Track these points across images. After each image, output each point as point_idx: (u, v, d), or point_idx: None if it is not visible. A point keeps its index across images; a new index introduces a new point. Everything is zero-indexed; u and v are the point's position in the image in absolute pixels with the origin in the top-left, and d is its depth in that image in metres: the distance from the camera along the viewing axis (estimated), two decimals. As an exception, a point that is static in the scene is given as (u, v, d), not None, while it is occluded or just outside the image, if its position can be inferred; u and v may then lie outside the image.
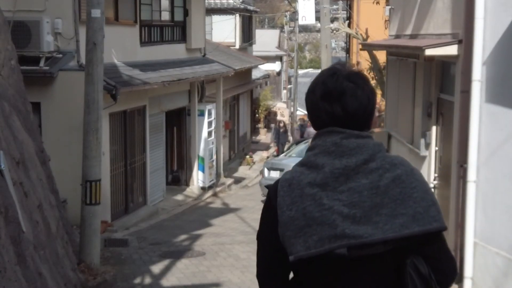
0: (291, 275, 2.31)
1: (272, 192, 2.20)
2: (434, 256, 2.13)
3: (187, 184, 17.41)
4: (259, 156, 25.62)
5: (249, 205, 15.87)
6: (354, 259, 2.08)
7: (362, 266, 2.12)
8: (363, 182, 2.09)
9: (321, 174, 2.11)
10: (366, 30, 18.86)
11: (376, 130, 14.49)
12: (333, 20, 27.66)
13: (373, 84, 20.35)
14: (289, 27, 42.09)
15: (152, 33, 15.41)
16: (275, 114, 32.93)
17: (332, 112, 2.15)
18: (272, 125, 29.31)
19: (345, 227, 2.05)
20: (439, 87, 9.58)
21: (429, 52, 8.44)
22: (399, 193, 2.08)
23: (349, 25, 23.65)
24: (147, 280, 8.84)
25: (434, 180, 9.64)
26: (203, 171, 17.47)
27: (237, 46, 26.48)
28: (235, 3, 26.77)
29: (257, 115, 31.74)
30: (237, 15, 26.65)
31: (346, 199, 2.08)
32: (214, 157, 18.36)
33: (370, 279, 2.14)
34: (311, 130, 28.22)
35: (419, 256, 2.12)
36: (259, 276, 2.31)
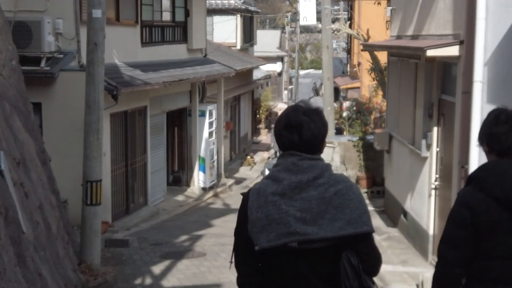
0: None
1: (245, 198, 2.88)
2: (364, 251, 2.79)
3: (188, 185, 17.41)
4: (260, 156, 25.62)
5: (250, 205, 15.83)
6: (303, 251, 2.76)
7: (309, 257, 2.79)
8: (312, 193, 2.76)
9: (281, 186, 2.79)
10: (367, 30, 18.81)
11: (377, 131, 14.48)
12: (334, 20, 27.61)
13: (375, 85, 20.36)
14: (290, 27, 42.09)
15: (153, 33, 15.41)
16: (276, 114, 32.93)
17: (292, 139, 2.84)
18: (273, 126, 29.29)
19: (297, 227, 2.73)
20: (441, 88, 9.57)
21: (430, 52, 8.43)
22: (339, 203, 2.75)
23: (350, 26, 23.62)
24: (148, 280, 8.83)
25: (435, 181, 9.62)
26: (204, 171, 17.46)
27: (238, 47, 26.46)
28: (236, 4, 26.76)
29: (258, 116, 31.73)
30: (238, 15, 26.64)
31: (299, 206, 2.75)
32: (215, 157, 18.35)
33: (315, 267, 2.81)
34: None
35: (352, 251, 2.77)
36: (236, 264, 2.97)
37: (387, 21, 14.54)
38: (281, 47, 40.68)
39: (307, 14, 30.10)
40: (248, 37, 28.53)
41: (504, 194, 3.05)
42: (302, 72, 46.71)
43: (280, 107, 33.97)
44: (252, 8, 29.55)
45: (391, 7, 13.11)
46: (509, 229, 3.06)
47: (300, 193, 2.77)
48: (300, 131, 2.83)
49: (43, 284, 5.10)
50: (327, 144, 15.68)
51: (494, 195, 3.06)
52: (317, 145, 2.87)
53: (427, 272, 8.36)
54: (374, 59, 17.49)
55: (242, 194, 2.95)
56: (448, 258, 3.14)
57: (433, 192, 9.62)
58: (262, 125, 32.68)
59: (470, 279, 3.17)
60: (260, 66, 28.51)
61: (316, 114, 2.87)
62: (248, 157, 24.09)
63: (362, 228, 2.76)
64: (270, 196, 2.79)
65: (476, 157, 7.53)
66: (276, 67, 38.10)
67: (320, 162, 2.85)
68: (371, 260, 2.84)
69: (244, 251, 2.89)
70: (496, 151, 3.18)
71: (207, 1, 19.96)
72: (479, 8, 7.34)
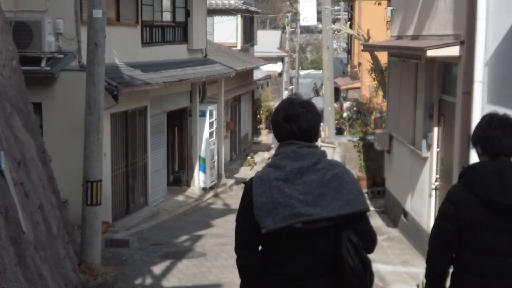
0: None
1: (248, 185, 3.09)
2: (361, 229, 3.05)
3: (188, 185, 17.40)
4: (261, 156, 25.61)
5: (250, 205, 15.83)
6: (307, 231, 2.97)
7: (312, 237, 3.01)
8: (312, 178, 3.00)
9: (284, 172, 3.01)
10: (368, 31, 18.82)
11: (378, 131, 14.47)
12: (334, 21, 27.60)
13: (375, 85, 20.36)
14: (291, 28, 42.07)
15: (154, 33, 15.41)
16: (277, 115, 32.84)
17: (291, 130, 3.07)
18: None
19: (301, 209, 2.95)
20: (441, 88, 9.56)
21: (430, 53, 8.42)
22: (337, 185, 2.99)
23: (350, 26, 23.63)
24: (148, 280, 8.83)
25: (436, 181, 9.62)
26: (204, 171, 17.46)
27: (239, 47, 26.46)
28: (236, 4, 26.76)
29: (258, 116, 31.73)
30: (239, 16, 26.63)
31: (301, 189, 2.98)
32: (215, 157, 18.35)
33: (318, 245, 3.03)
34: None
35: (351, 230, 3.03)
36: (238, 247, 3.17)
37: (387, 22, 14.55)
38: (281, 47, 40.65)
39: (308, 15, 30.06)
40: (249, 37, 28.53)
41: (487, 193, 3.29)
42: (302, 72, 46.69)
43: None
44: (253, 9, 29.54)
45: (391, 8, 13.11)
46: (488, 227, 3.31)
47: (302, 178, 3.00)
48: (298, 122, 3.07)
49: (43, 284, 5.10)
50: (327, 145, 15.57)
51: (477, 193, 3.32)
52: (314, 134, 3.13)
53: (427, 273, 8.35)
54: (375, 60, 17.49)
55: (244, 182, 3.18)
56: (435, 246, 3.48)
57: (433, 192, 9.62)
58: (262, 125, 32.67)
59: (457, 271, 3.46)
60: (261, 67, 28.50)
61: (311, 106, 3.15)
62: (249, 157, 24.08)
63: (359, 207, 3.01)
64: (274, 181, 3.00)
65: (477, 157, 7.53)
66: (277, 67, 38.08)
67: (317, 149, 3.11)
68: (368, 238, 3.10)
69: (247, 235, 3.10)
70: (489, 153, 3.44)
71: (207, 1, 19.96)
72: (480, 8, 7.34)
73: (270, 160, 3.18)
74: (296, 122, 3.07)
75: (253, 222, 3.01)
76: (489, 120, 3.47)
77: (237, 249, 3.19)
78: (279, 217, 2.96)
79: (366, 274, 3.06)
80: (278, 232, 2.97)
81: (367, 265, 3.06)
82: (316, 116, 3.13)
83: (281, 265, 3.07)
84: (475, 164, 3.50)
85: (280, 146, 3.13)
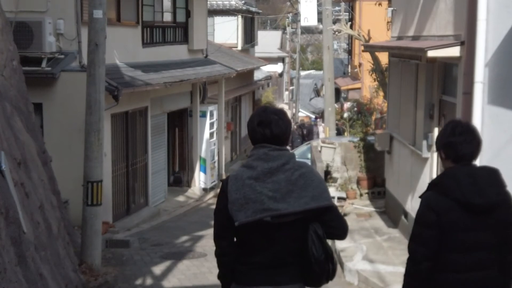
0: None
1: (225, 183, 3.43)
2: (329, 221, 3.40)
3: (189, 185, 17.41)
4: (261, 157, 25.60)
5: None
6: (275, 224, 3.31)
7: (281, 229, 3.35)
8: (281, 177, 3.34)
9: (255, 171, 3.35)
10: (368, 31, 18.81)
11: (378, 131, 14.47)
12: (335, 21, 27.59)
13: (376, 86, 20.36)
14: (291, 28, 42.06)
15: (154, 34, 15.42)
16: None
17: (264, 134, 3.43)
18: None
19: (270, 204, 3.29)
20: (441, 89, 9.56)
21: (431, 53, 8.41)
22: (303, 184, 3.34)
23: (351, 27, 23.61)
24: (148, 281, 8.83)
25: (436, 181, 9.60)
26: (204, 172, 17.46)
27: (239, 47, 26.46)
28: (237, 5, 26.76)
29: (259, 117, 31.71)
30: (239, 16, 26.64)
31: (271, 187, 3.32)
32: (216, 158, 18.35)
33: (286, 237, 3.37)
34: (315, 129, 28.24)
35: (317, 223, 3.38)
36: (215, 238, 3.53)
37: (388, 22, 14.55)
38: (282, 48, 40.65)
39: (308, 15, 30.05)
40: (249, 38, 28.53)
41: (463, 197, 3.50)
42: (303, 73, 46.67)
43: (281, 107, 33.94)
44: (253, 9, 29.54)
45: (392, 8, 13.10)
46: (466, 227, 3.53)
47: (271, 177, 3.33)
48: (271, 127, 3.41)
49: (44, 284, 5.10)
50: (328, 145, 15.53)
51: (455, 198, 3.52)
52: (285, 138, 3.47)
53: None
54: (375, 60, 17.48)
55: (221, 180, 3.55)
56: (418, 254, 3.59)
57: (434, 193, 9.59)
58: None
59: (440, 272, 3.60)
60: (261, 67, 28.51)
61: (283, 114, 3.51)
62: (249, 157, 24.09)
63: (324, 203, 3.36)
64: (246, 180, 3.34)
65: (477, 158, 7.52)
66: (277, 68, 38.08)
67: (287, 152, 3.45)
68: (337, 226, 3.45)
69: (224, 227, 3.44)
70: (452, 158, 3.64)
71: (208, 2, 19.97)
72: (480, 8, 7.34)
73: (244, 161, 3.46)
74: (268, 127, 3.41)
75: (228, 215, 3.35)
76: (453, 127, 3.67)
77: (215, 240, 3.54)
78: (250, 212, 3.29)
79: (328, 264, 3.40)
80: (249, 225, 3.30)
81: (329, 255, 3.40)
82: (286, 123, 3.47)
83: (253, 255, 3.41)
84: (446, 172, 3.65)
85: (253, 149, 3.47)
